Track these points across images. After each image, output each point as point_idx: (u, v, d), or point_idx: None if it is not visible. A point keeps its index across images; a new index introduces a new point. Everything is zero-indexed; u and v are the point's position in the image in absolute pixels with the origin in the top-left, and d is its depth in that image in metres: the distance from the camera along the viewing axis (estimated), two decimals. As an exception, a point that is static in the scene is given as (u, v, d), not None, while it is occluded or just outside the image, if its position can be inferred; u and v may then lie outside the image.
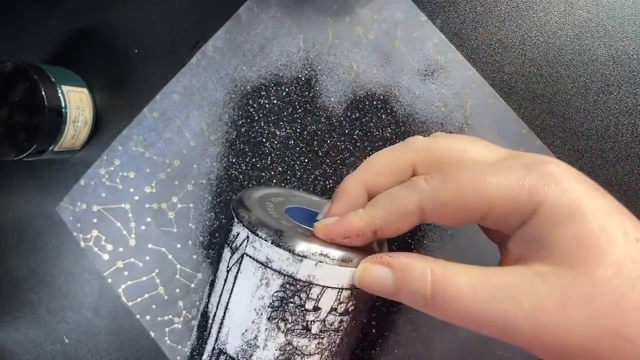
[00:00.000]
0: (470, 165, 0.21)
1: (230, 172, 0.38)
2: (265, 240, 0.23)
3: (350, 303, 0.23)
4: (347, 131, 0.36)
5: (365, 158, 0.36)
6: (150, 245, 0.38)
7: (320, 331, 0.23)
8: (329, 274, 0.22)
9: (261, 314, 0.23)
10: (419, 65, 0.36)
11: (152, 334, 0.38)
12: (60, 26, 0.40)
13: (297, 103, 0.37)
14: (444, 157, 0.22)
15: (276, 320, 0.23)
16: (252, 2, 0.37)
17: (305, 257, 0.22)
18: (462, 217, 0.20)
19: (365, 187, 0.23)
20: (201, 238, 0.38)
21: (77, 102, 0.37)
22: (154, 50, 0.39)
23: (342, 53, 0.36)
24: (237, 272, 0.25)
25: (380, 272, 0.21)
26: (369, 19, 0.36)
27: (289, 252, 0.23)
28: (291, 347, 0.23)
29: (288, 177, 0.37)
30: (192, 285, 0.38)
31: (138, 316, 0.38)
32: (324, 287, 0.23)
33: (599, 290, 0.17)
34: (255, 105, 0.37)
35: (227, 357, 0.25)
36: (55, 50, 0.40)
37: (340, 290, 0.23)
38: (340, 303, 0.23)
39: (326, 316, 0.23)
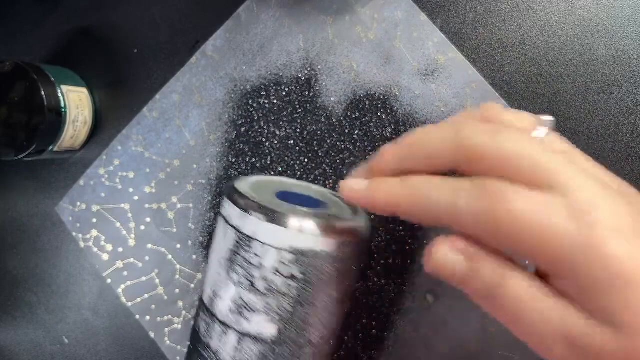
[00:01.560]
0: (514, 195, 0.18)
1: (230, 172, 0.38)
2: (228, 199, 0.26)
3: (297, 269, 0.24)
4: (347, 131, 0.36)
5: (366, 158, 0.36)
6: (149, 246, 0.38)
7: (266, 290, 0.24)
8: (270, 232, 0.24)
9: (222, 265, 0.26)
10: (419, 65, 0.36)
11: (152, 335, 0.38)
12: (60, 26, 0.40)
13: (297, 103, 0.37)
14: (496, 166, 0.19)
15: (230, 272, 0.25)
16: (252, 2, 0.37)
17: (249, 213, 0.24)
18: (498, 247, 0.19)
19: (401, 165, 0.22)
20: (201, 238, 0.38)
21: (77, 102, 0.37)
22: (153, 50, 0.39)
23: (342, 53, 0.36)
24: (215, 230, 0.28)
25: (453, 259, 0.20)
26: (369, 19, 0.36)
27: (240, 208, 0.25)
28: (241, 301, 0.25)
29: (288, 177, 0.37)
30: (192, 286, 0.38)
31: (138, 316, 0.38)
32: (265, 244, 0.24)
33: None
34: (255, 105, 0.37)
35: (203, 305, 0.27)
36: (55, 50, 0.40)
37: (280, 251, 0.24)
38: (284, 265, 0.24)
39: (270, 275, 0.24)
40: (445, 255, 0.20)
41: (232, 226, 0.25)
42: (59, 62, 0.39)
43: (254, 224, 0.24)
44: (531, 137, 0.20)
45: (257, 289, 0.24)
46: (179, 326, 0.38)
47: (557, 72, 0.34)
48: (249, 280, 0.24)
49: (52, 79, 0.35)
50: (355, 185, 0.22)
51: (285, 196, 0.28)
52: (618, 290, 0.16)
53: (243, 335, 0.25)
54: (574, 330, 0.17)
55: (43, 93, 0.34)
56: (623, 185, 0.20)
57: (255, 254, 0.24)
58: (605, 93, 0.34)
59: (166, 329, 0.38)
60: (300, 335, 0.25)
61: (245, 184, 0.28)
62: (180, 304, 0.38)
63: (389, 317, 0.36)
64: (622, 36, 0.33)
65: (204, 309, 0.27)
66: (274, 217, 0.24)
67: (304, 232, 0.23)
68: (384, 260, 0.36)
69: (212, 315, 0.26)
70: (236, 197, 0.25)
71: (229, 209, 0.26)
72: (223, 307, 0.26)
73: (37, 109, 0.34)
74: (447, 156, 0.20)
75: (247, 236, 0.24)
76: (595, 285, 0.17)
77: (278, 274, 0.24)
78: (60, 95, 0.35)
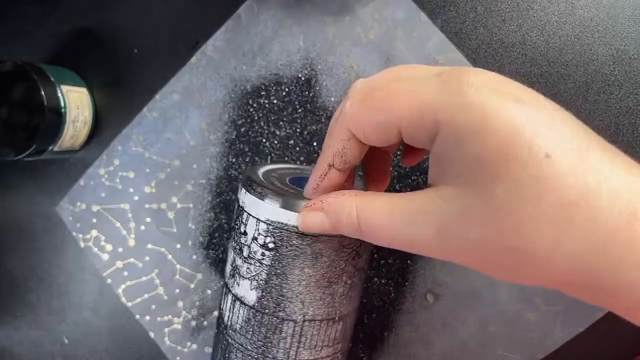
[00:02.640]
0: (387, 85, 0.20)
1: (230, 172, 0.38)
2: (241, 181, 0.29)
3: (269, 239, 0.26)
4: (347, 131, 0.36)
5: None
6: (149, 246, 0.38)
7: (248, 257, 0.27)
8: (250, 202, 0.27)
9: (232, 236, 0.29)
10: (420, 64, 0.36)
11: (152, 335, 0.38)
12: (60, 26, 0.40)
13: (297, 103, 0.37)
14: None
15: (231, 239, 0.29)
16: (252, 2, 0.37)
17: (244, 186, 0.28)
18: (383, 136, 0.21)
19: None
20: (201, 238, 0.38)
21: (77, 102, 0.37)
22: (153, 50, 0.38)
23: (342, 53, 0.36)
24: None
25: (316, 218, 0.24)
26: (369, 19, 0.36)
27: (241, 184, 0.28)
28: (235, 265, 0.28)
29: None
30: (192, 286, 0.38)
31: (138, 316, 0.38)
32: (248, 214, 0.27)
33: (500, 209, 0.17)
34: (255, 104, 0.37)
35: (225, 272, 0.31)
36: (55, 50, 0.40)
37: (259, 221, 0.26)
38: (260, 234, 0.26)
39: (251, 243, 0.27)
40: (311, 219, 0.24)
41: (237, 200, 0.29)
42: (59, 62, 0.39)
43: (243, 196, 0.27)
44: None
45: (243, 255, 0.27)
46: (179, 326, 0.38)
47: (557, 72, 0.34)
48: (239, 247, 0.27)
49: (52, 79, 0.35)
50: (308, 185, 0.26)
51: (298, 181, 0.30)
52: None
53: (235, 297, 0.28)
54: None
55: (43, 93, 0.34)
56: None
57: (243, 223, 0.27)
58: (605, 93, 0.34)
59: (166, 329, 0.38)
60: (278, 307, 0.27)
61: (265, 168, 0.31)
62: (180, 304, 0.38)
63: (389, 317, 0.36)
64: (622, 36, 0.33)
65: (222, 275, 0.31)
66: (256, 191, 0.26)
67: (276, 205, 0.26)
68: (384, 260, 0.36)
69: (222, 278, 0.29)
70: (245, 175, 0.29)
71: (239, 189, 0.29)
72: (227, 270, 0.29)
73: (37, 109, 0.34)
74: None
75: (240, 207, 0.28)
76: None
77: (256, 242, 0.26)
78: (60, 95, 0.35)
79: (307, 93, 0.37)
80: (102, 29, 0.39)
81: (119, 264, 0.39)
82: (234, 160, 0.38)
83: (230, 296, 0.28)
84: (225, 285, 0.29)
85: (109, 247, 0.39)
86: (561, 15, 0.34)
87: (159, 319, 0.38)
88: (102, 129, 0.39)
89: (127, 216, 0.39)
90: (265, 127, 0.37)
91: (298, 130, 0.37)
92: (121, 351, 0.39)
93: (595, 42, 0.34)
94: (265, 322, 0.27)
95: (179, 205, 0.38)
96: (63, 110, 0.36)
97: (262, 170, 0.30)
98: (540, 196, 0.17)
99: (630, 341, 0.34)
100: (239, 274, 0.28)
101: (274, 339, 0.27)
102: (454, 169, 0.19)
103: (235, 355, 0.28)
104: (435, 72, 0.20)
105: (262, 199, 0.26)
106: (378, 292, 0.36)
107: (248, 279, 0.27)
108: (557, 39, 0.34)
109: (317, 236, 0.26)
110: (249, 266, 0.27)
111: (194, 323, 0.38)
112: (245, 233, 0.27)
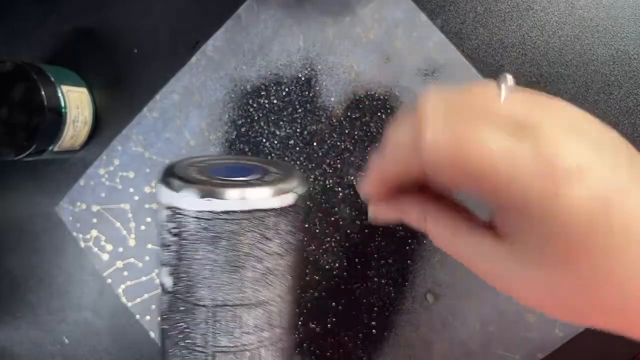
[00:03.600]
0: (474, 136, 0.19)
1: (230, 172, 0.38)
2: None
3: (172, 225, 0.26)
4: (347, 131, 0.36)
5: (366, 158, 0.36)
6: (150, 246, 0.38)
7: (162, 244, 0.27)
8: (159, 192, 0.27)
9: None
10: (419, 64, 0.36)
11: (152, 334, 0.38)
12: (59, 26, 0.40)
13: (297, 103, 0.37)
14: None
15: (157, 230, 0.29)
16: (252, 2, 0.37)
17: (158, 179, 0.28)
18: (459, 185, 0.20)
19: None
20: (201, 238, 0.38)
21: (77, 102, 0.37)
22: (153, 50, 0.39)
23: (342, 53, 0.36)
24: None
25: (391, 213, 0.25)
26: (369, 19, 0.36)
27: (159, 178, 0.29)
28: (159, 250, 0.28)
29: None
30: (192, 286, 0.38)
31: (138, 316, 0.38)
32: (159, 202, 0.27)
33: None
34: (255, 105, 0.37)
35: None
36: (55, 50, 0.40)
37: (163, 208, 0.27)
38: (166, 221, 0.27)
39: (161, 230, 0.27)
40: (382, 215, 0.24)
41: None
42: (59, 62, 0.39)
43: (157, 187, 0.28)
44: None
45: (161, 243, 0.28)
46: (179, 326, 0.38)
47: (557, 72, 0.34)
48: (159, 235, 0.28)
49: (52, 79, 0.35)
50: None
51: (220, 170, 0.30)
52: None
53: (161, 285, 0.28)
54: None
55: (43, 93, 0.34)
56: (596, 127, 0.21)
57: (158, 210, 0.28)
58: (605, 93, 0.34)
59: (166, 329, 0.38)
60: (189, 292, 0.27)
61: (190, 160, 0.31)
62: (181, 304, 0.38)
63: (389, 317, 0.36)
64: (622, 36, 0.33)
65: None
66: (160, 179, 0.27)
67: (174, 189, 0.26)
68: (384, 260, 0.36)
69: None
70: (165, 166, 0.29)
71: None
72: (161, 259, 0.30)
73: (37, 109, 0.34)
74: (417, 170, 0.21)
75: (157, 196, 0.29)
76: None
77: (165, 228, 0.27)
78: (60, 95, 0.35)
79: (307, 93, 0.37)
80: (102, 29, 0.39)
81: (119, 263, 0.39)
82: (231, 153, 0.38)
83: (160, 284, 0.29)
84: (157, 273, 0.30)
85: (109, 247, 0.39)
86: (561, 16, 0.34)
87: (159, 318, 0.38)
88: (102, 129, 0.39)
89: (127, 216, 0.39)
90: (265, 127, 0.37)
91: (298, 130, 0.37)
92: (121, 351, 0.39)
93: (595, 42, 0.34)
94: (181, 308, 0.27)
95: (179, 205, 0.38)
96: (63, 110, 0.36)
97: (185, 162, 0.30)
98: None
99: (631, 341, 0.34)
100: (160, 261, 0.28)
101: (191, 325, 0.27)
102: (521, 237, 0.19)
103: (165, 342, 0.29)
104: (519, 124, 0.18)
105: (163, 186, 0.27)
106: (378, 292, 0.36)
107: (165, 265, 0.28)
108: (556, 39, 0.34)
109: (212, 219, 0.26)
110: (164, 253, 0.28)
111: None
112: (158, 219, 0.28)
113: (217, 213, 0.26)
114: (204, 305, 0.27)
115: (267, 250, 0.27)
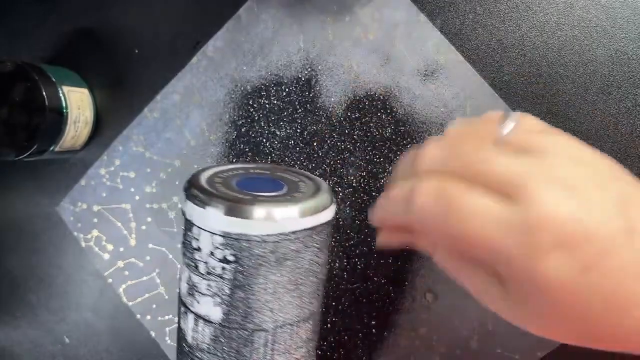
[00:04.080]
0: (463, 211, 0.19)
1: (230, 172, 0.38)
2: (183, 189, 0.27)
3: (228, 252, 0.24)
4: (347, 131, 0.36)
5: (366, 158, 0.36)
6: (150, 245, 0.38)
7: (207, 273, 0.25)
8: (200, 215, 0.25)
9: (181, 251, 0.27)
10: (419, 65, 0.36)
11: (153, 334, 0.38)
12: (60, 26, 0.40)
13: (297, 103, 0.37)
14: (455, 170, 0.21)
15: (183, 255, 0.27)
16: (253, 3, 0.37)
17: (187, 197, 0.26)
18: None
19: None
20: (201, 238, 0.38)
21: (78, 103, 0.37)
22: (154, 50, 0.39)
23: (342, 53, 0.37)
24: None
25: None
26: (369, 19, 0.36)
27: (184, 192, 0.26)
28: (191, 282, 0.26)
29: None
30: (193, 285, 0.38)
31: (138, 316, 0.38)
32: (199, 228, 0.25)
33: None
34: (255, 105, 0.37)
35: (179, 290, 0.29)
36: (56, 50, 0.40)
37: (212, 235, 0.24)
38: (216, 248, 0.24)
39: (207, 259, 0.25)
40: (391, 244, 0.25)
41: (183, 212, 0.27)
42: (59, 63, 0.39)
43: (190, 208, 0.25)
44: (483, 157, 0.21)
45: (200, 272, 0.25)
46: (180, 326, 0.38)
47: (556, 73, 0.34)
48: (194, 263, 0.26)
49: (53, 79, 0.35)
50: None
51: (247, 183, 0.29)
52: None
53: (197, 316, 0.26)
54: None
55: (44, 93, 0.34)
56: (599, 166, 0.21)
57: (194, 238, 0.25)
58: (604, 93, 0.34)
59: (167, 329, 0.38)
60: (247, 319, 0.25)
61: (207, 173, 0.29)
62: (181, 303, 0.38)
63: (389, 317, 0.36)
64: (620, 37, 0.34)
65: (178, 295, 0.29)
66: (203, 200, 0.25)
67: (233, 215, 0.24)
68: (384, 260, 0.36)
69: (179, 297, 0.27)
70: (187, 181, 0.27)
71: (182, 196, 0.28)
72: (182, 288, 0.27)
73: (38, 109, 0.34)
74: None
75: (188, 220, 0.26)
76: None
77: (213, 257, 0.25)
78: (61, 95, 0.35)
79: (307, 93, 0.37)
80: (103, 29, 0.39)
81: (120, 263, 0.39)
82: (234, 160, 0.38)
83: (191, 316, 0.26)
84: (183, 303, 0.27)
85: (109, 247, 0.39)
86: (560, 16, 0.34)
87: (159, 318, 0.38)
88: (102, 129, 0.39)
89: (128, 216, 0.39)
90: (265, 127, 0.37)
91: (298, 130, 0.37)
92: (122, 351, 0.39)
93: (594, 42, 0.34)
94: (235, 337, 0.25)
95: (179, 205, 0.38)
96: (64, 110, 0.36)
97: (205, 176, 0.28)
98: None
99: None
100: (198, 291, 0.26)
101: (247, 352, 0.26)
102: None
103: None
104: (510, 184, 0.19)
105: (212, 210, 0.24)
106: (378, 292, 0.36)
107: (210, 295, 0.25)
108: (556, 39, 0.34)
109: (279, 241, 0.24)
110: (209, 282, 0.25)
111: (194, 323, 0.38)
112: (199, 248, 0.25)
113: (286, 234, 0.25)
114: (264, 330, 0.26)
115: (320, 262, 0.27)
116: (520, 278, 0.19)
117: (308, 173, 0.32)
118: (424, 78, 0.36)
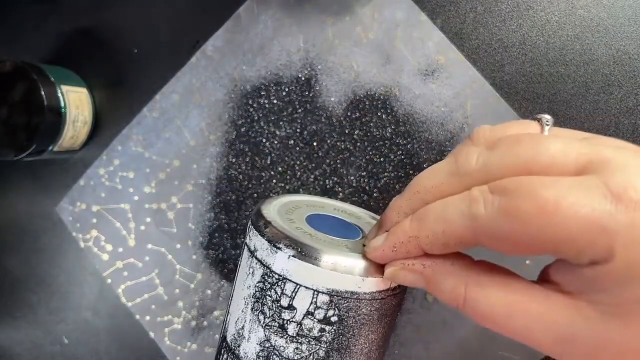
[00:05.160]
0: (539, 186, 0.16)
1: (230, 172, 0.38)
2: (255, 229, 0.23)
3: (332, 312, 0.22)
4: (347, 131, 0.36)
5: (366, 158, 0.36)
6: (149, 246, 0.38)
7: (297, 335, 0.22)
8: (301, 270, 0.21)
9: (247, 303, 0.23)
10: (419, 65, 0.36)
11: (152, 334, 0.38)
12: (60, 26, 0.40)
13: (297, 103, 0.37)
14: (508, 174, 0.18)
15: (257, 312, 0.23)
16: (252, 2, 0.37)
17: (279, 248, 0.22)
18: (524, 251, 0.18)
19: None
20: (201, 238, 0.38)
21: (77, 102, 0.37)
22: (153, 50, 0.38)
23: (342, 53, 0.36)
24: (239, 261, 0.25)
25: (409, 277, 0.21)
26: (369, 19, 0.36)
27: (268, 241, 0.22)
28: (269, 344, 0.23)
29: (288, 177, 0.37)
30: (192, 286, 0.38)
31: (138, 316, 0.38)
32: (297, 284, 0.22)
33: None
34: (255, 105, 0.37)
35: (225, 344, 0.25)
36: (55, 50, 0.40)
37: (316, 293, 0.21)
38: (318, 308, 0.22)
39: (302, 319, 0.22)
40: (403, 277, 0.21)
41: (259, 260, 0.23)
42: (59, 62, 0.39)
43: (283, 260, 0.22)
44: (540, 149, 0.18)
45: (288, 333, 0.22)
46: (179, 326, 0.38)
47: (557, 72, 0.34)
48: (278, 323, 0.22)
49: (52, 79, 0.35)
50: (374, 243, 0.21)
51: (317, 221, 0.26)
52: None
53: None
54: (571, 328, 0.17)
55: (43, 93, 0.34)
56: None
57: (285, 294, 0.22)
58: (605, 93, 0.34)
59: (166, 329, 0.38)
60: None
61: (272, 209, 0.26)
62: (180, 304, 0.38)
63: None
64: (622, 36, 0.33)
65: (227, 349, 0.25)
66: (306, 252, 0.21)
67: (342, 271, 0.21)
68: (384, 261, 0.36)
69: (237, 357, 0.24)
70: (263, 226, 0.23)
71: (255, 239, 0.24)
72: (250, 350, 0.23)
73: (37, 109, 0.34)
74: (467, 235, 0.19)
75: (276, 274, 0.22)
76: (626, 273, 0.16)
77: (311, 317, 0.22)
78: (60, 95, 0.35)
79: (307, 93, 0.37)
80: (102, 29, 0.39)
81: (119, 264, 0.39)
82: (234, 160, 0.38)
83: None
84: None
85: (109, 247, 0.39)
86: (561, 15, 0.34)
87: (159, 319, 0.38)
88: (102, 129, 0.39)
89: (127, 216, 0.39)
90: (265, 127, 0.37)
91: (298, 130, 0.37)
92: (121, 351, 0.39)
93: (595, 42, 0.34)
94: None
95: (179, 205, 0.38)
96: (63, 110, 0.36)
97: (273, 213, 0.25)
98: None
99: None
100: (280, 355, 0.22)
101: None
102: (611, 298, 0.17)
103: None
104: (584, 165, 0.17)
105: (321, 265, 0.21)
106: (378, 292, 0.36)
107: (295, 359, 0.22)
108: (557, 38, 0.34)
109: (385, 297, 0.22)
110: (298, 346, 0.22)
111: (193, 323, 0.38)
112: (291, 307, 0.22)
113: (392, 289, 0.23)
114: None
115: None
116: (618, 276, 0.16)
117: (368, 212, 0.30)
118: (424, 77, 0.36)
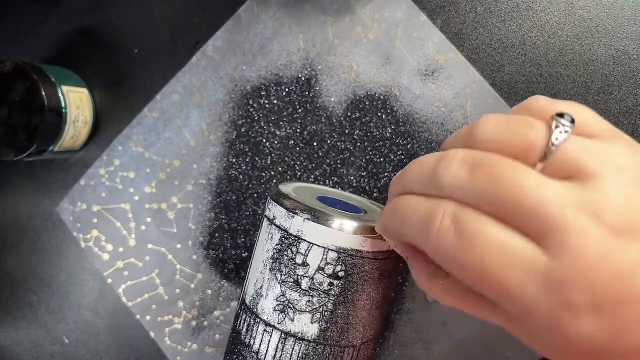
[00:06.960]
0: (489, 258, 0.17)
1: (230, 172, 0.38)
2: (275, 201, 0.27)
3: (340, 267, 0.25)
4: (347, 131, 0.36)
5: (366, 158, 0.36)
6: (150, 246, 0.38)
7: (310, 288, 0.25)
8: (314, 231, 0.25)
9: (266, 265, 0.27)
10: (419, 65, 0.36)
11: (152, 334, 0.38)
12: (60, 26, 0.40)
13: (297, 103, 0.37)
14: (477, 206, 0.18)
15: (274, 271, 0.26)
16: (252, 2, 0.37)
17: (295, 213, 0.26)
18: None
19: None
20: (201, 238, 0.38)
21: (77, 102, 0.37)
22: (154, 50, 0.39)
23: (342, 53, 0.36)
24: (259, 231, 0.29)
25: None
26: (369, 19, 0.36)
27: (286, 209, 0.26)
28: (285, 298, 0.26)
29: (288, 177, 0.37)
30: (192, 286, 0.38)
31: (138, 316, 0.38)
32: (310, 243, 0.25)
33: None
34: (255, 105, 0.37)
35: (244, 306, 0.28)
36: (55, 50, 0.40)
37: (326, 250, 0.25)
38: (328, 264, 0.25)
39: (314, 274, 0.25)
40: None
41: (278, 226, 0.27)
42: (59, 62, 0.39)
43: (299, 223, 0.26)
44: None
45: (302, 288, 0.25)
46: (179, 326, 0.38)
47: (557, 72, 0.34)
48: (293, 279, 0.25)
49: (53, 79, 0.35)
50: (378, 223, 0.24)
51: (325, 200, 0.29)
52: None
53: (286, 334, 0.26)
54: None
55: (43, 93, 0.34)
56: None
57: (300, 253, 0.25)
58: (605, 93, 0.34)
59: (166, 329, 0.38)
60: (342, 336, 0.25)
61: (288, 188, 0.29)
62: (181, 303, 0.38)
63: (388, 317, 0.36)
64: (622, 36, 0.33)
65: (245, 309, 0.28)
66: (319, 216, 0.25)
67: (348, 231, 0.25)
68: (384, 260, 0.36)
69: (255, 315, 0.27)
70: (282, 198, 0.27)
71: (274, 210, 0.27)
72: (267, 306, 0.26)
73: (38, 109, 0.34)
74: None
75: (293, 235, 0.26)
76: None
77: (322, 272, 0.25)
78: (60, 95, 0.35)
79: (307, 93, 0.37)
80: (102, 29, 0.39)
81: (120, 263, 0.39)
82: (234, 160, 0.38)
83: (277, 335, 0.26)
84: (265, 323, 0.26)
85: (109, 247, 0.39)
86: (561, 16, 0.34)
87: (159, 318, 0.38)
88: (102, 129, 0.39)
89: (127, 216, 0.39)
90: (265, 127, 0.37)
91: (298, 130, 0.37)
92: (121, 351, 0.39)
93: (595, 42, 0.34)
94: (327, 354, 0.25)
95: (179, 205, 0.38)
96: (63, 110, 0.36)
97: (289, 189, 0.29)
98: None
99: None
100: (294, 308, 0.25)
101: None
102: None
103: None
104: (546, 223, 0.16)
105: (331, 226, 0.25)
106: (378, 292, 0.36)
107: (309, 312, 0.25)
108: (556, 39, 0.34)
109: (385, 258, 0.25)
110: (310, 299, 0.25)
111: (194, 323, 0.38)
112: (304, 264, 0.25)
113: (391, 251, 0.26)
114: (353, 346, 0.26)
115: (395, 280, 0.28)
116: (542, 330, 0.17)
117: (371, 201, 0.33)
118: (424, 78, 0.36)
